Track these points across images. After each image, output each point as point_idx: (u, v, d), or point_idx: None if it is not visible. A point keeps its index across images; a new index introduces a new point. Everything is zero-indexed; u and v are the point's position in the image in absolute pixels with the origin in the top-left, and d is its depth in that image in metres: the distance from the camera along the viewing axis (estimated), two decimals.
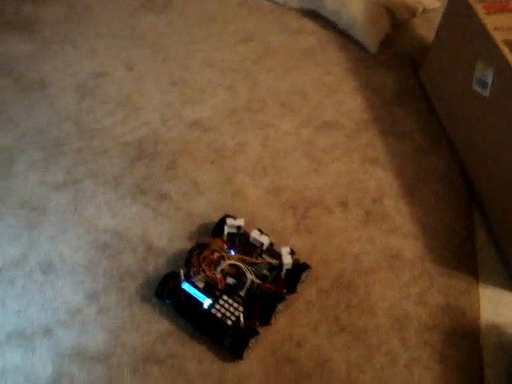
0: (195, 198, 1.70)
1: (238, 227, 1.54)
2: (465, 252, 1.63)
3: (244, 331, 1.39)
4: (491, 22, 1.62)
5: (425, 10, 2.34)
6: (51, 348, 1.40)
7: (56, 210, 1.65)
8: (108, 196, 1.69)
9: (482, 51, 1.64)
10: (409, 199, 1.74)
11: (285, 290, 1.49)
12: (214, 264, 1.45)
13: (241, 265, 1.45)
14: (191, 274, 1.45)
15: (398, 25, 2.28)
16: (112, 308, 1.47)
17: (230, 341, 1.38)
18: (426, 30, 2.25)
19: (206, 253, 1.47)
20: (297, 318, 1.48)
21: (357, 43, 2.21)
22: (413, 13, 2.31)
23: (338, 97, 2.02)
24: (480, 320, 1.50)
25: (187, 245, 1.58)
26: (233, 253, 1.49)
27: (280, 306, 1.44)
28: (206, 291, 1.42)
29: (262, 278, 1.45)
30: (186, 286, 1.42)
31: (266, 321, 1.44)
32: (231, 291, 1.43)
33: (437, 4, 2.36)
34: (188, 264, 1.49)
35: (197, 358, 1.40)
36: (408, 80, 2.09)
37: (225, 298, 1.41)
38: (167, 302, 1.45)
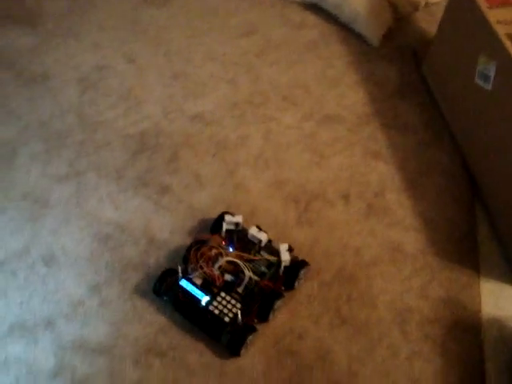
0: (197, 191, 1.71)
1: (237, 224, 1.53)
2: (466, 246, 1.63)
3: (242, 328, 1.39)
4: (494, 15, 1.62)
5: (427, 4, 2.33)
6: (53, 340, 1.41)
7: (58, 203, 1.66)
8: (110, 188, 1.70)
9: (485, 45, 1.64)
10: (411, 193, 1.74)
11: (283, 287, 1.49)
12: (212, 261, 1.45)
13: (238, 261, 1.44)
14: (189, 270, 1.45)
15: (400, 18, 2.27)
16: (114, 300, 1.48)
17: (227, 338, 1.37)
18: (429, 23, 2.24)
19: (203, 249, 1.46)
20: (298, 311, 1.48)
21: (359, 37, 2.20)
22: (415, 6, 2.30)
23: (339, 90, 2.02)
24: (481, 314, 1.50)
25: (188, 238, 1.59)
26: (231, 249, 1.48)
27: (278, 303, 1.44)
28: (204, 288, 1.41)
29: (260, 274, 1.45)
30: (183, 283, 1.41)
31: (264, 318, 1.44)
32: (229, 288, 1.42)
33: None
34: (186, 261, 1.48)
35: (198, 350, 1.40)
36: (410, 73, 2.08)
37: (222, 294, 1.41)
38: (165, 298, 1.45)
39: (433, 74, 2.01)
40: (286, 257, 1.47)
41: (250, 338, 1.38)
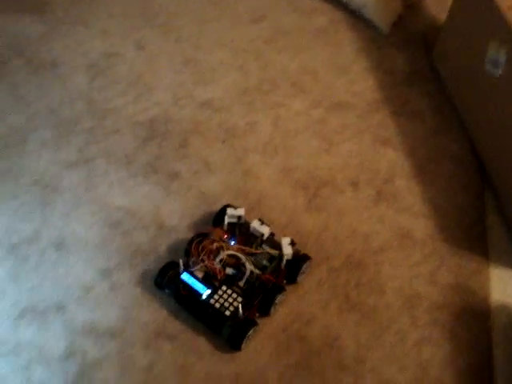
0: (206, 177, 1.71)
1: (239, 217, 1.52)
2: (476, 232, 1.63)
3: (242, 322, 1.38)
4: (504, 1, 1.60)
5: None
6: (64, 324, 1.42)
7: (68, 188, 1.67)
8: (120, 175, 1.70)
9: (495, 31, 1.63)
10: (420, 179, 1.74)
11: (285, 281, 1.48)
12: (214, 254, 1.44)
13: (240, 255, 1.44)
14: (190, 264, 1.44)
15: (410, 5, 2.26)
16: (124, 285, 1.49)
17: (228, 331, 1.37)
18: (439, 10, 2.22)
19: (205, 243, 1.45)
20: (307, 297, 1.49)
21: (368, 24, 2.19)
22: None
23: (349, 77, 2.02)
24: (490, 300, 1.50)
25: (198, 224, 1.59)
26: (233, 243, 1.47)
27: (280, 297, 1.43)
28: (205, 281, 1.41)
29: (262, 268, 1.44)
30: (185, 276, 1.41)
31: (265, 312, 1.43)
32: (230, 282, 1.42)
33: None
34: (187, 254, 1.48)
35: (208, 334, 1.41)
36: (420, 61, 2.08)
37: (224, 288, 1.40)
38: (166, 291, 1.45)
39: (443, 60, 2.01)
40: (287, 250, 1.46)
41: (251, 332, 1.37)
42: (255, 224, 1.50)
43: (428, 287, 1.52)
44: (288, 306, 1.47)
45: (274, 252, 1.47)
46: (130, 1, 2.24)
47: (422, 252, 1.58)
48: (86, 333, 1.41)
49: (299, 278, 1.49)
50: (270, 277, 1.44)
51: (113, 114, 1.86)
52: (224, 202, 1.59)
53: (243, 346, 1.37)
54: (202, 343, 1.40)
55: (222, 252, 1.44)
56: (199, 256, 1.43)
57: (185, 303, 1.42)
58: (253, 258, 1.45)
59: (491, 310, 1.48)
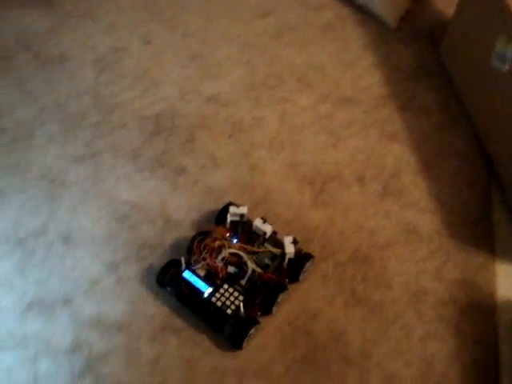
0: (213, 172, 1.71)
1: (241, 215, 1.51)
2: (482, 228, 1.63)
3: (244, 321, 1.38)
4: None
5: None
6: (71, 317, 1.42)
7: (75, 183, 1.67)
8: (127, 169, 1.71)
9: (503, 26, 1.62)
10: (426, 175, 1.74)
11: (287, 280, 1.48)
12: (216, 252, 1.43)
13: (241, 253, 1.43)
14: (192, 262, 1.44)
15: (417, 0, 2.25)
16: (131, 279, 1.49)
17: (229, 330, 1.37)
18: (446, 4, 2.21)
19: (207, 241, 1.45)
20: (312, 291, 1.49)
21: (376, 19, 2.18)
22: None
23: (356, 72, 2.02)
24: (496, 296, 1.50)
25: (204, 218, 1.60)
26: (235, 241, 1.47)
27: (282, 296, 1.43)
28: (207, 279, 1.40)
29: (264, 267, 1.43)
30: (186, 274, 1.40)
31: (267, 311, 1.43)
32: (232, 280, 1.41)
33: None
34: (190, 252, 1.48)
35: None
36: (427, 56, 2.07)
37: (225, 286, 1.40)
38: (168, 289, 1.45)
39: (450, 55, 2.00)
40: (290, 249, 1.45)
41: (253, 330, 1.37)
42: (258, 222, 1.49)
43: (434, 283, 1.52)
44: (294, 300, 1.47)
45: (276, 250, 1.46)
46: None
47: (428, 247, 1.58)
48: (93, 326, 1.41)
49: (301, 277, 1.49)
50: (272, 275, 1.43)
51: (120, 108, 1.86)
52: (230, 197, 1.60)
53: (244, 344, 1.37)
54: (207, 337, 1.40)
55: (224, 250, 1.43)
56: (201, 254, 1.43)
57: (186, 301, 1.42)
58: (255, 257, 1.44)
59: (497, 306, 1.48)
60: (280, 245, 1.47)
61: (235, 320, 1.37)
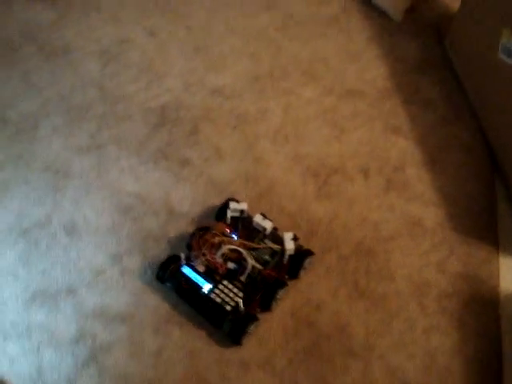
0: (217, 164, 1.72)
1: (241, 211, 1.51)
2: (486, 221, 1.63)
3: (243, 317, 1.37)
4: None
5: None
6: (75, 307, 1.43)
7: (80, 174, 1.68)
8: (131, 161, 1.71)
9: (509, 19, 1.61)
10: (430, 168, 1.73)
11: (287, 276, 1.48)
12: (215, 248, 1.43)
13: (241, 250, 1.42)
14: (192, 257, 1.44)
15: None
16: (134, 270, 1.50)
17: (229, 326, 1.37)
18: None
19: (207, 236, 1.44)
20: (316, 283, 1.49)
21: (381, 11, 2.18)
22: None
23: (360, 65, 2.01)
24: (499, 289, 1.50)
25: (207, 211, 1.60)
26: (235, 237, 1.46)
27: (281, 293, 1.43)
28: (207, 275, 1.40)
29: (264, 263, 1.43)
30: (186, 270, 1.40)
31: (266, 307, 1.43)
32: (232, 276, 1.41)
33: None
34: (189, 247, 1.48)
35: None
36: (432, 49, 2.06)
37: (225, 282, 1.40)
38: (168, 285, 1.45)
39: (455, 48, 1.99)
40: (290, 245, 1.45)
41: (252, 327, 1.37)
42: (258, 218, 1.49)
43: (437, 275, 1.52)
44: (297, 292, 1.47)
45: (276, 247, 1.46)
46: None
47: (432, 240, 1.58)
48: (97, 317, 1.42)
49: (301, 273, 1.49)
50: (271, 272, 1.43)
51: (124, 100, 1.86)
52: (234, 189, 1.60)
53: (244, 340, 1.37)
54: (210, 329, 1.40)
55: (223, 246, 1.43)
56: (201, 250, 1.43)
57: (186, 297, 1.42)
58: (255, 253, 1.44)
59: (500, 299, 1.48)
60: (280, 241, 1.46)
61: (234, 316, 1.37)
